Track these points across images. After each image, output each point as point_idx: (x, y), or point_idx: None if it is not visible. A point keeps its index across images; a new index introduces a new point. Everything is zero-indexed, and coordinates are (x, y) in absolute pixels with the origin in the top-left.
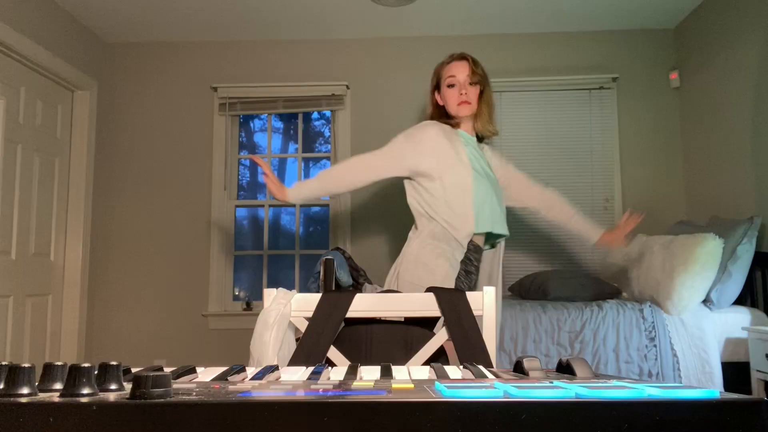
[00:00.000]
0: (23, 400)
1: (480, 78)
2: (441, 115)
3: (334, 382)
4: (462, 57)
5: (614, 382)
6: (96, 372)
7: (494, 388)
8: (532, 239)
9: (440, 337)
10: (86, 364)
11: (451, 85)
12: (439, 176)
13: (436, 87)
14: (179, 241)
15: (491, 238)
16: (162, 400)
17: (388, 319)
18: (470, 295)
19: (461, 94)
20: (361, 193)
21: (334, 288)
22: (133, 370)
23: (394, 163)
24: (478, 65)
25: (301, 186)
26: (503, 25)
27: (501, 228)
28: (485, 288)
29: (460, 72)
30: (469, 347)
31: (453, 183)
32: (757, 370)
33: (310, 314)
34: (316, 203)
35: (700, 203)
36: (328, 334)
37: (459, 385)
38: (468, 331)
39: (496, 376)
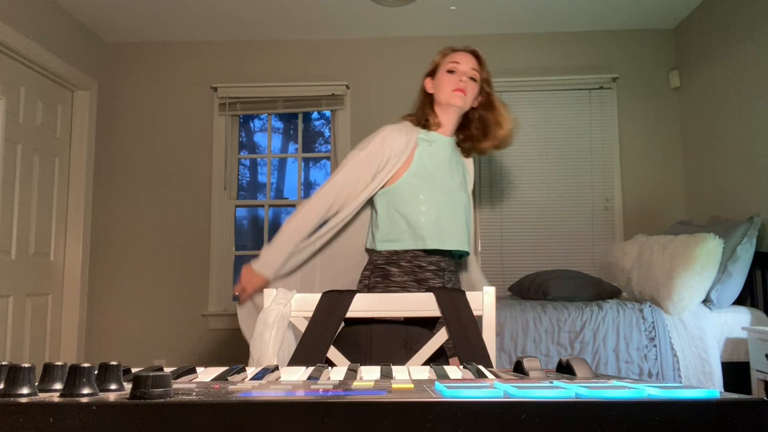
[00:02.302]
0: (23, 400)
1: (485, 78)
2: (426, 103)
3: (334, 382)
4: (472, 51)
5: (614, 382)
6: (96, 372)
7: (494, 388)
8: (531, 239)
9: (440, 337)
10: (86, 364)
11: (450, 71)
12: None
13: (431, 73)
14: (179, 241)
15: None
16: (162, 400)
17: (388, 318)
18: (470, 295)
19: (460, 80)
20: None
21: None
22: (133, 370)
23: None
24: (484, 67)
25: (268, 258)
26: (503, 26)
27: (449, 243)
28: (485, 288)
29: (465, 62)
30: (469, 347)
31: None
32: (757, 370)
33: (310, 314)
34: None
35: (700, 203)
36: (328, 334)
37: (459, 385)
38: (468, 331)
39: (496, 376)
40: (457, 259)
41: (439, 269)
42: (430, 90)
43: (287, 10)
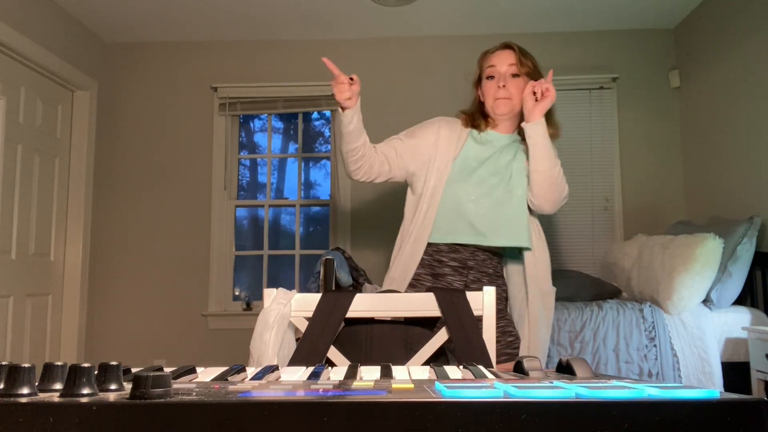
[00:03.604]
0: (23, 400)
1: (529, 70)
2: (479, 110)
3: (334, 382)
4: (506, 45)
5: (614, 382)
6: (96, 372)
7: (494, 388)
8: None
9: (440, 337)
10: (86, 364)
11: (490, 77)
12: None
13: (478, 81)
14: (179, 241)
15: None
16: (162, 400)
17: (388, 318)
18: (470, 295)
19: (500, 87)
20: (362, 192)
21: (334, 288)
22: (133, 370)
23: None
24: (527, 56)
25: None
26: (503, 25)
27: (487, 239)
28: (485, 288)
29: (501, 61)
30: (469, 347)
31: (426, 186)
32: (757, 370)
33: (310, 314)
34: (316, 203)
35: (700, 203)
36: (328, 334)
37: (459, 385)
38: (468, 331)
39: (496, 376)
40: (512, 257)
41: (463, 267)
42: (482, 99)
43: (287, 10)
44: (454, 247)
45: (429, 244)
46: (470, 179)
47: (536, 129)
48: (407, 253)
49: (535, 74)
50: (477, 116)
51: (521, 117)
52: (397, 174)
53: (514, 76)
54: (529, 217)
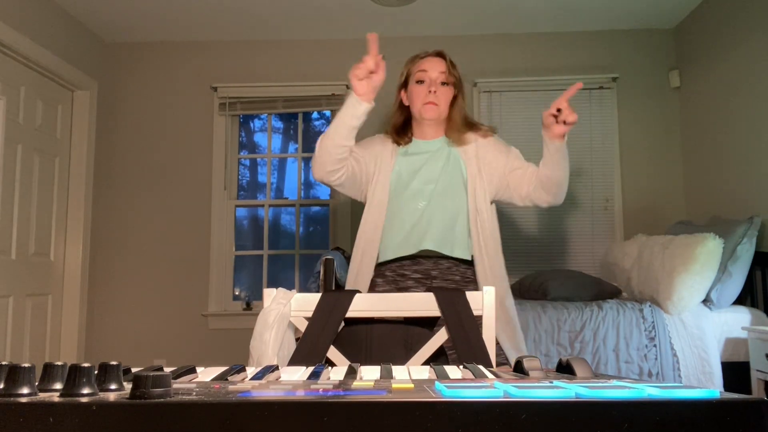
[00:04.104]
0: (23, 400)
1: (456, 81)
2: (403, 117)
3: (334, 382)
4: (438, 53)
5: (614, 382)
6: (96, 372)
7: (494, 388)
8: (531, 239)
9: (440, 337)
10: (86, 364)
11: (420, 81)
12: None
13: (404, 84)
14: (179, 241)
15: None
16: (162, 400)
17: (388, 318)
18: (470, 295)
19: (430, 92)
20: None
21: (334, 288)
22: (133, 370)
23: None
24: (455, 67)
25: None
26: (503, 25)
27: (437, 246)
28: (485, 288)
29: (433, 67)
30: (469, 347)
31: (370, 203)
32: (757, 370)
33: (310, 314)
34: (316, 203)
35: (700, 203)
36: (328, 334)
37: (459, 385)
38: (468, 331)
39: (496, 376)
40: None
41: (426, 277)
42: (406, 102)
43: (287, 10)
44: (417, 260)
45: (392, 260)
46: (405, 192)
47: (559, 146)
48: (355, 270)
49: (459, 85)
50: (399, 132)
51: (446, 122)
52: (351, 181)
53: (443, 84)
54: (477, 222)
